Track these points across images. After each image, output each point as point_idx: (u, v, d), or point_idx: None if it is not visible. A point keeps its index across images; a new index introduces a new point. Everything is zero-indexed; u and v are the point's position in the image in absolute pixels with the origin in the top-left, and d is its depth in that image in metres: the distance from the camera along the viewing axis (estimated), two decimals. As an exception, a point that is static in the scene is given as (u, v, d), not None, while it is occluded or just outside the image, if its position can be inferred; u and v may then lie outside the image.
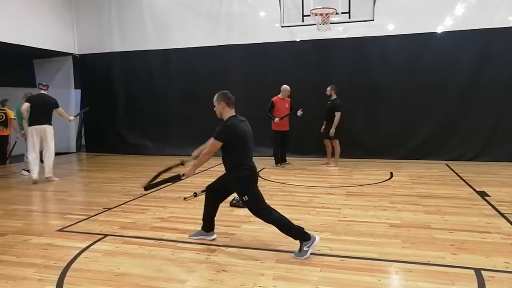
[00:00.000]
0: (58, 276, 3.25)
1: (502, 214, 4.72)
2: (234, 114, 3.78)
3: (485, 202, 5.28)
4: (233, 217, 4.84)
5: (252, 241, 3.97)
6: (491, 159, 8.28)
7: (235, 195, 5.39)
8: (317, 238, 3.66)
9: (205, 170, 8.15)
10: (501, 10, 8.07)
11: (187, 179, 7.20)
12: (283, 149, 8.47)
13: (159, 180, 4.07)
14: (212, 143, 3.67)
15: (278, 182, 6.85)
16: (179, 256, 3.64)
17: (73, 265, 3.48)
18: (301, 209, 5.10)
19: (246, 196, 3.65)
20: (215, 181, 3.98)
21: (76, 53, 11.02)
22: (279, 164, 8.21)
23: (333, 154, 8.48)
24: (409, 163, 8.49)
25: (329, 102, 8.23)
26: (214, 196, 3.97)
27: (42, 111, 7.14)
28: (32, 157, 7.12)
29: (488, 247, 3.72)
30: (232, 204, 5.28)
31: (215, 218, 4.06)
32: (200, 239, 4.02)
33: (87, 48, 10.93)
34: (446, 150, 8.61)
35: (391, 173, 7.41)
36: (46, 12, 10.03)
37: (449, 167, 7.95)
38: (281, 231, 3.68)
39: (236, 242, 3.93)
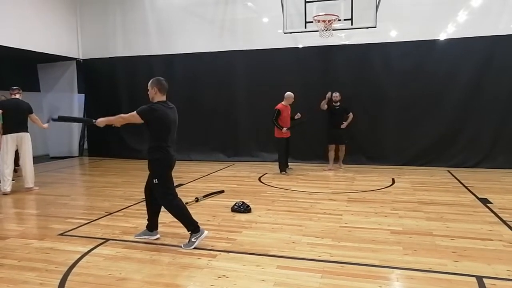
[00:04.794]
0: (59, 280, 3.25)
1: (504, 222, 4.70)
2: (164, 100, 4.03)
3: (487, 209, 5.26)
4: (234, 223, 4.83)
5: (253, 247, 3.97)
6: (494, 166, 8.24)
7: (236, 200, 5.46)
8: (206, 232, 4.01)
9: (207, 175, 8.18)
10: (504, 17, 8.07)
11: (188, 184, 7.24)
12: (286, 155, 8.46)
13: (73, 117, 4.37)
14: (131, 114, 3.91)
15: (280, 188, 6.85)
16: (180, 261, 3.64)
17: (74, 269, 3.48)
18: (303, 215, 5.10)
19: (156, 179, 3.90)
20: (147, 180, 4.13)
21: (80, 57, 11.09)
22: (284, 172, 8.19)
23: (337, 159, 8.58)
24: (411, 169, 8.47)
25: (336, 108, 8.37)
26: (151, 194, 4.10)
27: (16, 117, 6.65)
28: (7, 171, 6.60)
29: (490, 254, 3.70)
30: (233, 210, 5.29)
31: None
32: (145, 238, 4.19)
33: (91, 52, 11.00)
34: (449, 156, 8.59)
35: (393, 180, 7.40)
36: (51, 17, 10.11)
37: (451, 173, 7.93)
38: (178, 218, 4.00)
39: (237, 248, 3.93)
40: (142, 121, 3.90)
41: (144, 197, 4.24)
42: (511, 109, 8.18)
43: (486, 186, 6.71)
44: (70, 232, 4.55)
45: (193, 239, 3.92)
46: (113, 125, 4.26)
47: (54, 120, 4.61)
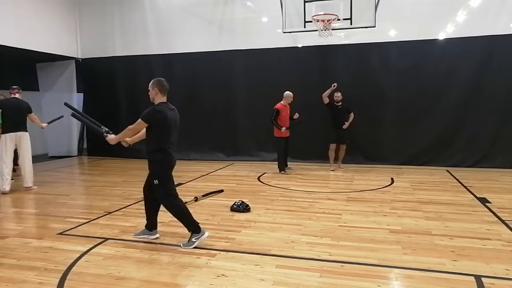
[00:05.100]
0: (58, 280, 3.26)
1: (503, 221, 4.71)
2: (165, 101, 4.01)
3: (486, 209, 5.27)
4: (233, 222, 4.84)
5: (252, 246, 3.97)
6: (493, 166, 8.25)
7: (235, 200, 5.46)
8: (206, 233, 4.01)
9: (206, 174, 8.18)
10: (503, 17, 8.08)
11: (187, 183, 7.24)
12: (285, 154, 8.46)
13: (86, 119, 4.46)
14: (137, 122, 3.88)
15: (279, 187, 6.85)
16: (179, 260, 3.64)
17: (74, 268, 3.49)
18: (302, 214, 5.10)
19: (157, 180, 3.91)
20: (146, 179, 4.15)
21: (79, 57, 11.08)
22: (283, 172, 8.20)
23: (336, 158, 8.60)
24: (410, 169, 8.48)
25: (339, 107, 8.37)
26: (149, 194, 4.12)
27: (15, 117, 6.64)
28: (6, 171, 6.59)
29: (489, 254, 3.71)
30: (233, 209, 5.29)
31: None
32: (144, 238, 4.20)
33: (90, 52, 10.98)
34: (448, 156, 8.60)
35: (392, 179, 7.40)
36: (50, 16, 10.10)
37: (450, 173, 7.94)
38: (178, 218, 4.01)
39: (236, 247, 3.94)
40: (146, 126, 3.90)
41: (143, 196, 4.24)
42: (510, 108, 8.19)
43: (485, 186, 6.72)
44: (69, 231, 4.55)
45: (193, 239, 3.93)
46: (121, 143, 4.18)
47: (72, 111, 4.55)
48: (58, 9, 10.35)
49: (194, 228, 3.96)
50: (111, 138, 4.12)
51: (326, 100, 8.37)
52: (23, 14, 9.20)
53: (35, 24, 9.55)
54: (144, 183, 4.17)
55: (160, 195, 3.98)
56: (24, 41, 9.19)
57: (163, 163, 3.93)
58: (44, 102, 11.13)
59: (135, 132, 4.03)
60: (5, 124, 6.68)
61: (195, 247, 3.90)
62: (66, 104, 4.88)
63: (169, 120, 3.90)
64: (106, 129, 4.23)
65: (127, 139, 4.16)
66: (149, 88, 4.00)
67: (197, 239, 3.93)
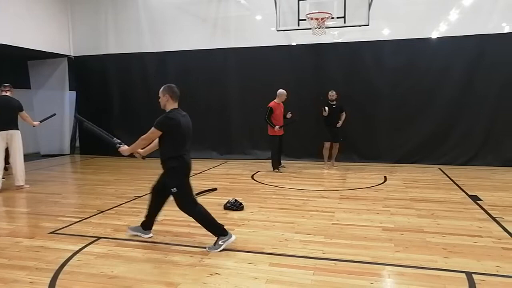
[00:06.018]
0: (50, 279, 3.23)
1: (493, 218, 4.76)
2: (177, 107, 3.91)
3: (477, 206, 5.32)
4: (227, 220, 4.82)
5: (246, 244, 3.97)
6: (484, 164, 8.33)
7: (229, 198, 5.46)
8: (234, 236, 3.88)
9: (200, 172, 8.16)
10: (495, 16, 8.16)
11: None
12: (279, 153, 8.46)
13: (98, 130, 4.37)
14: (151, 131, 3.80)
15: (272, 186, 6.86)
16: (172, 259, 3.64)
17: (65, 267, 3.46)
18: (295, 213, 5.11)
19: (175, 188, 3.79)
20: (157, 180, 4.09)
21: (71, 54, 10.98)
22: (276, 170, 8.20)
23: (330, 157, 8.64)
24: (402, 167, 8.53)
25: (334, 106, 8.35)
26: (158, 196, 4.07)
27: (6, 115, 6.59)
28: None
29: (480, 251, 3.75)
30: (226, 207, 5.29)
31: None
32: (136, 234, 4.16)
33: (83, 50, 10.89)
34: (440, 154, 8.66)
35: (385, 177, 7.44)
36: (42, 13, 9.99)
37: (442, 171, 8.00)
38: (202, 224, 3.88)
39: (230, 245, 3.92)
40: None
41: (150, 196, 4.15)
42: (501, 107, 8.27)
43: (477, 184, 6.78)
44: (61, 230, 4.52)
45: (220, 242, 3.80)
46: (134, 154, 4.07)
47: (78, 120, 4.52)
48: (50, 6, 10.25)
49: (220, 231, 3.83)
50: (124, 149, 4.04)
51: (325, 114, 8.25)
52: (14, 11, 9.09)
53: (26, 21, 9.44)
54: (153, 182, 4.08)
55: (179, 203, 3.85)
56: (16, 38, 9.09)
57: (179, 170, 3.81)
58: (35, 100, 11.02)
59: (149, 142, 3.91)
60: None
61: (185, 245, 3.89)
62: (76, 116, 4.81)
63: (183, 126, 3.80)
64: (119, 140, 4.15)
65: (140, 150, 4.04)
66: (159, 95, 3.88)
67: (224, 242, 3.79)
